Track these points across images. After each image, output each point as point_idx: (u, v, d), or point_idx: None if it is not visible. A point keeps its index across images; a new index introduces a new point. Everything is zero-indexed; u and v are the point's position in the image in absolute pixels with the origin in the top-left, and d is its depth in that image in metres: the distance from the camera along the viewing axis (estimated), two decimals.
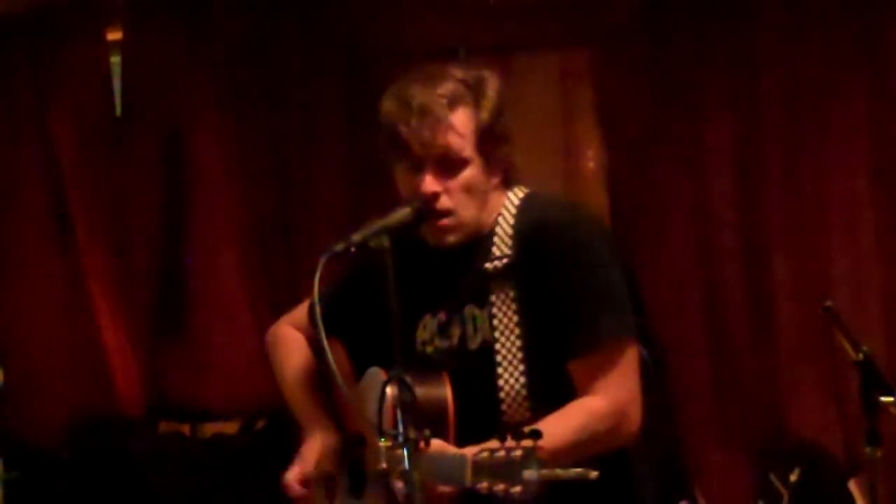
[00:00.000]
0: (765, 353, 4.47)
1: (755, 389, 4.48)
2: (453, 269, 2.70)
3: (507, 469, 2.21)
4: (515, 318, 2.61)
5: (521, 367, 2.60)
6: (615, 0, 4.63)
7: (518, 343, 2.60)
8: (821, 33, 4.43)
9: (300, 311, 2.96)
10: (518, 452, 2.19)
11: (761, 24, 4.48)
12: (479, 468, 2.27)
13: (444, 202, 2.63)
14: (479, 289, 2.66)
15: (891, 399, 3.02)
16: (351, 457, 2.82)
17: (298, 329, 2.98)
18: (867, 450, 3.04)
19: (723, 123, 4.53)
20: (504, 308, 2.62)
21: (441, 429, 2.57)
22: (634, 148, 4.62)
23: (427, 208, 2.63)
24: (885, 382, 3.03)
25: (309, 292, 2.49)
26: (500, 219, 2.69)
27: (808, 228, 4.45)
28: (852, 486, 4.33)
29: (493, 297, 2.63)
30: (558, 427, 2.45)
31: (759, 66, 4.48)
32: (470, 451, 2.35)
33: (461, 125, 2.61)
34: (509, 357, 2.61)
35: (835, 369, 4.28)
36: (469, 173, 2.63)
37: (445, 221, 2.64)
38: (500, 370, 2.60)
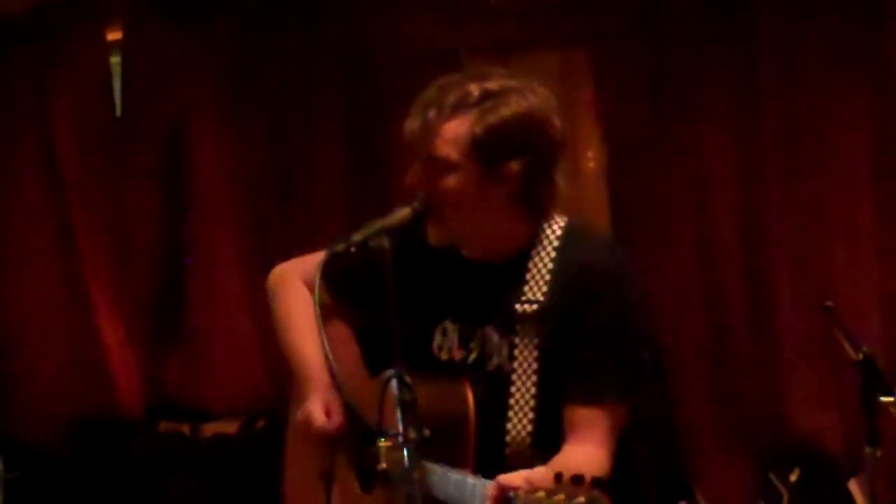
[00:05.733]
0: (765, 353, 4.47)
1: (755, 389, 4.48)
2: (480, 285, 2.70)
3: None
4: (535, 365, 2.61)
5: (531, 415, 2.60)
6: (615, 0, 4.62)
7: (533, 389, 2.61)
8: (821, 33, 4.42)
9: (311, 262, 2.84)
10: (581, 500, 2.12)
11: (761, 24, 4.47)
12: None
13: (430, 199, 2.64)
14: (504, 321, 2.66)
15: (891, 399, 3.01)
16: (361, 452, 2.80)
17: (308, 285, 2.90)
18: (867, 450, 3.03)
19: (722, 123, 4.53)
20: (526, 353, 2.62)
21: (461, 437, 2.57)
22: (634, 148, 4.62)
23: (424, 206, 2.63)
24: (885, 382, 3.02)
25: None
26: (536, 253, 2.67)
27: (808, 228, 4.44)
28: (852, 486, 4.32)
29: (517, 339, 2.63)
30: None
31: (759, 65, 4.48)
32: (514, 480, 2.32)
33: (451, 131, 2.60)
34: (521, 402, 2.62)
35: (835, 369, 4.28)
36: (455, 178, 2.62)
37: (433, 222, 2.65)
38: (510, 413, 2.62)
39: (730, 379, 4.51)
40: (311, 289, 2.83)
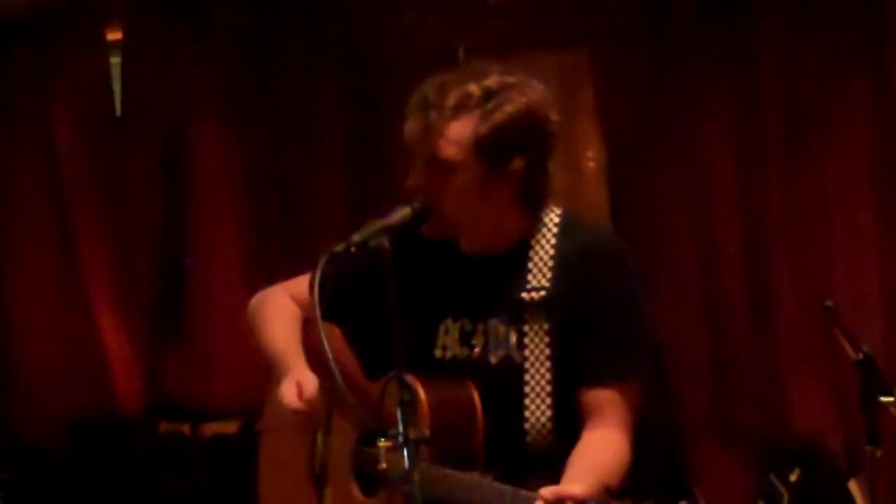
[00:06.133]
0: (765, 352, 4.47)
1: (755, 389, 4.48)
2: (481, 279, 2.70)
3: None
4: (547, 351, 2.61)
5: (549, 401, 2.60)
6: (615, 0, 4.62)
7: (548, 376, 2.61)
8: (821, 33, 4.42)
9: (299, 285, 2.85)
10: None
11: (761, 24, 4.47)
12: None
13: (432, 201, 2.63)
14: (510, 311, 2.66)
15: (891, 399, 3.01)
16: (360, 454, 2.79)
17: (297, 302, 2.90)
18: (867, 450, 3.03)
19: (723, 123, 4.53)
20: (537, 340, 2.62)
21: (469, 438, 2.57)
22: (634, 148, 4.62)
23: (424, 206, 2.63)
24: (885, 382, 3.02)
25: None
26: (535, 242, 2.68)
27: (808, 228, 4.44)
28: (852, 486, 4.32)
29: (526, 327, 2.63)
30: (604, 470, 2.46)
31: (759, 65, 4.48)
32: (569, 494, 2.32)
33: (455, 132, 2.59)
34: (537, 389, 2.61)
35: (835, 369, 4.28)
36: (460, 178, 2.61)
37: (434, 220, 2.65)
38: (527, 401, 2.61)
39: (730, 379, 4.51)
40: (298, 302, 2.87)
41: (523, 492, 2.42)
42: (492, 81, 2.63)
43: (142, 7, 4.94)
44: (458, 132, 2.59)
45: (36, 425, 4.87)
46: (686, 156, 4.58)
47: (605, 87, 4.68)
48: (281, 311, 2.93)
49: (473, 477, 2.50)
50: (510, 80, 2.65)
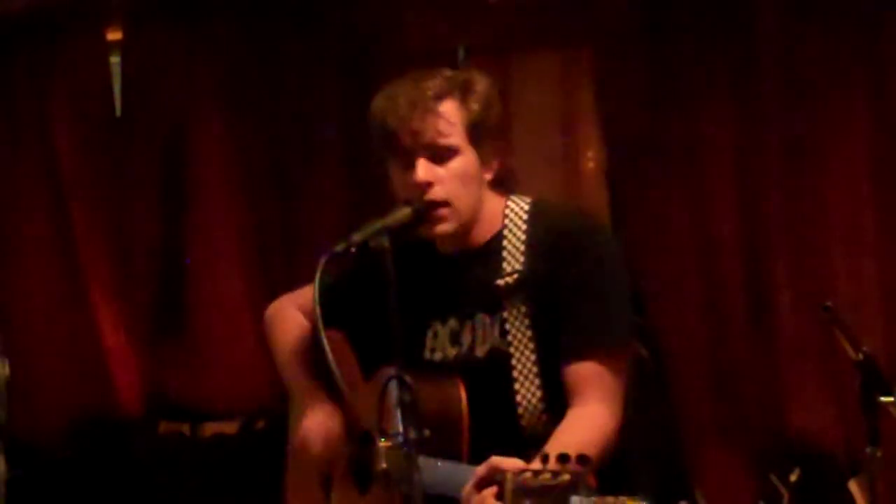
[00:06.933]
0: (765, 353, 4.47)
1: (755, 389, 4.48)
2: (461, 276, 2.72)
3: (553, 493, 2.16)
4: (529, 333, 2.63)
5: (538, 381, 2.62)
6: (615, 0, 4.62)
7: (533, 357, 2.63)
8: (821, 33, 4.42)
9: (304, 294, 2.92)
10: (566, 477, 2.15)
11: (761, 24, 4.47)
12: (523, 489, 2.22)
13: (438, 192, 2.66)
14: (490, 300, 2.68)
15: (891, 399, 3.01)
16: (356, 455, 2.80)
17: (303, 312, 2.97)
18: (867, 450, 3.04)
19: (723, 123, 4.53)
20: (517, 323, 2.64)
21: (454, 434, 2.58)
22: (634, 148, 4.62)
23: (425, 205, 2.64)
24: (885, 382, 3.02)
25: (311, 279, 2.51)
26: (507, 231, 2.70)
27: (808, 228, 4.44)
28: (852, 486, 4.32)
29: (505, 313, 2.65)
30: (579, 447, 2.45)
31: (759, 66, 4.48)
32: (507, 466, 2.33)
33: (449, 114, 2.66)
34: (525, 371, 2.63)
35: (835, 369, 4.27)
36: (461, 162, 2.66)
37: (441, 211, 2.65)
38: (516, 385, 2.63)
39: (730, 379, 4.51)
40: (305, 311, 2.93)
41: (465, 466, 2.44)
42: (449, 73, 2.72)
43: (142, 7, 4.94)
44: (450, 114, 2.66)
45: (36, 425, 4.87)
46: (686, 156, 4.57)
47: (605, 87, 4.68)
48: (294, 330, 2.97)
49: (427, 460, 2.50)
50: (461, 74, 2.75)
